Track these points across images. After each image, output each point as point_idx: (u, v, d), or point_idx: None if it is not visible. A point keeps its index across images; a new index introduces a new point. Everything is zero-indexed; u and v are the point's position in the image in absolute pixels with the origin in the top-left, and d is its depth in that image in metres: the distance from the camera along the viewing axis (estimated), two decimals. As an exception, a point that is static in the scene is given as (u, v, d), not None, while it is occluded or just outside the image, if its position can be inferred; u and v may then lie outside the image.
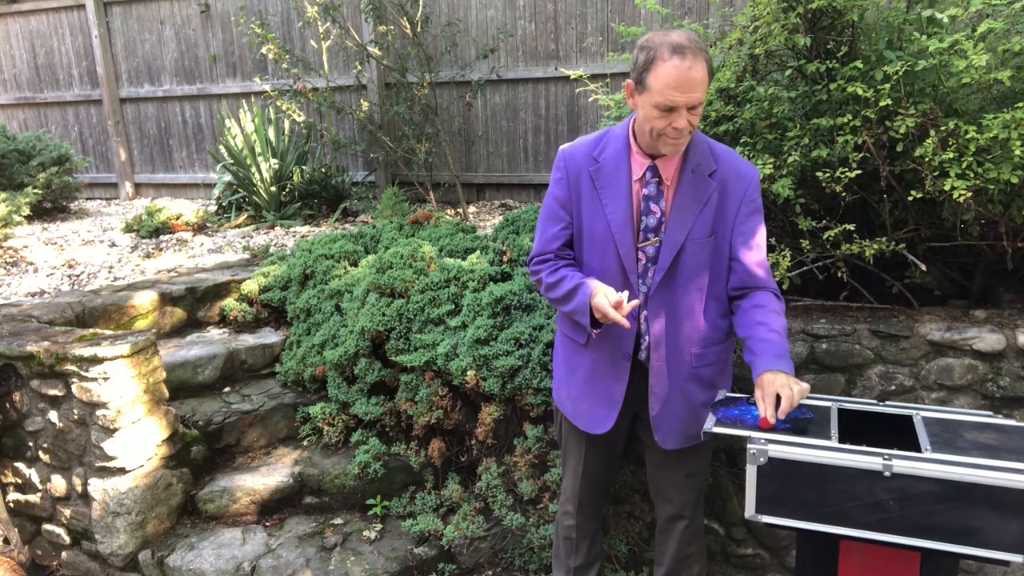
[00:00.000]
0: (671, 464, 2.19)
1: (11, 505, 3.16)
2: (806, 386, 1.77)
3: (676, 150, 1.89)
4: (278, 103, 5.85)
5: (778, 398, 1.75)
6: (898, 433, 1.87)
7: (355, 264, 3.78)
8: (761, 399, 1.79)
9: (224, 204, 6.26)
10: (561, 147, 2.08)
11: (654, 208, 1.96)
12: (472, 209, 5.80)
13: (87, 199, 7.56)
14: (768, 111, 2.69)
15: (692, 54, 1.75)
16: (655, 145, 1.90)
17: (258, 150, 5.81)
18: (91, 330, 3.11)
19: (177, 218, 5.69)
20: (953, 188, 2.24)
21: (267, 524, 3.03)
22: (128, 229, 5.71)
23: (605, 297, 1.86)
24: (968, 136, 2.22)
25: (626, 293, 1.86)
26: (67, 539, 3.09)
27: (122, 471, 2.88)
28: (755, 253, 1.99)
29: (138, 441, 2.90)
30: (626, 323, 1.84)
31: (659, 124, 1.83)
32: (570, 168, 2.03)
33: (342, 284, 3.53)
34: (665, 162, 1.95)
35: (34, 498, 3.11)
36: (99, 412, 2.82)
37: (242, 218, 5.98)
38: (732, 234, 1.99)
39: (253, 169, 5.81)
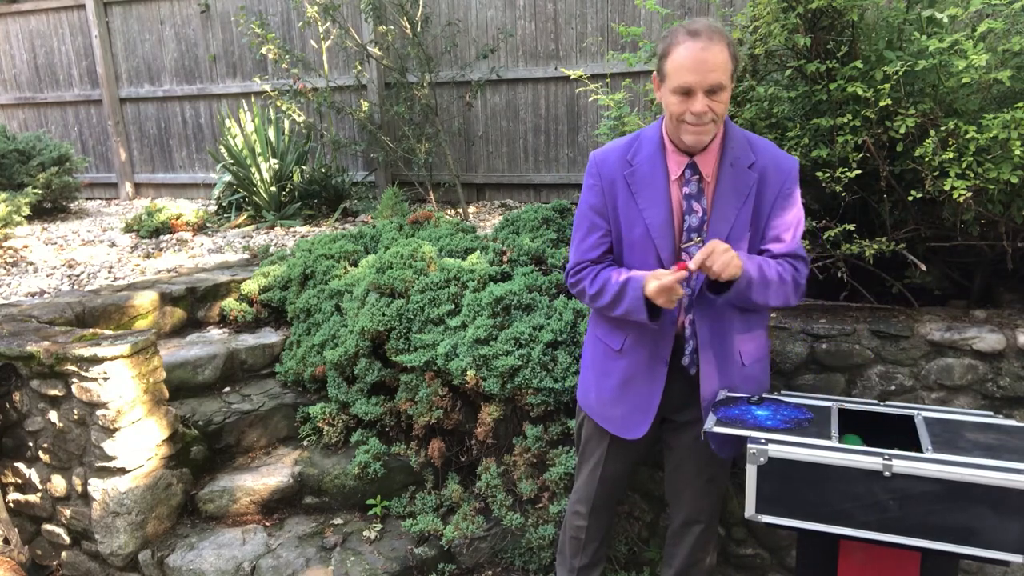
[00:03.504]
0: (694, 469, 2.17)
1: (11, 505, 3.16)
2: (738, 262, 1.76)
3: (697, 139, 1.83)
4: (278, 103, 5.85)
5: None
6: (899, 433, 1.87)
7: (355, 264, 3.78)
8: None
9: (224, 204, 6.26)
10: (592, 152, 2.04)
11: (696, 207, 1.92)
12: (472, 209, 5.80)
13: (87, 199, 7.56)
14: (768, 111, 2.69)
15: (707, 36, 1.73)
16: (677, 134, 1.86)
17: (258, 150, 5.81)
18: (91, 330, 3.11)
19: (177, 218, 5.69)
20: (953, 188, 2.24)
21: (267, 524, 3.03)
22: (128, 229, 5.71)
23: (657, 279, 1.81)
24: (968, 136, 2.22)
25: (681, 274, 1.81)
26: (67, 539, 3.09)
27: (122, 471, 2.88)
28: (788, 245, 1.96)
29: (138, 441, 2.90)
30: (680, 287, 1.80)
31: (677, 110, 1.79)
32: (603, 174, 1.99)
33: (342, 284, 3.53)
34: (703, 158, 1.90)
35: (34, 498, 3.11)
36: (99, 412, 2.82)
37: (242, 218, 5.98)
38: (766, 227, 1.96)
39: (253, 169, 5.81)
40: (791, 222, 1.96)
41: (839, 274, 2.65)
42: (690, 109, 1.77)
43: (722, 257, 1.75)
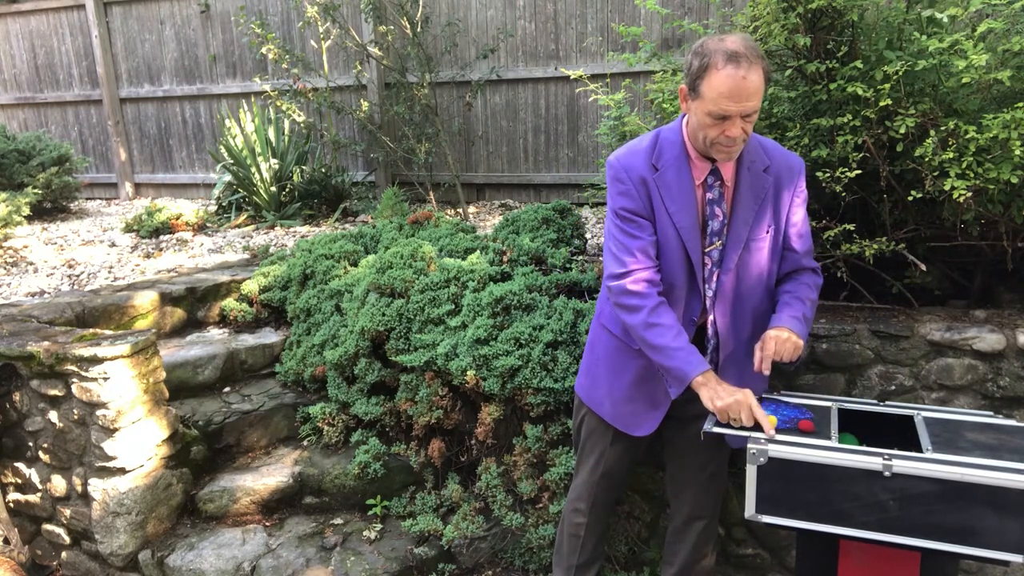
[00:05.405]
0: (696, 466, 2.19)
1: (11, 505, 3.16)
2: (799, 342, 1.87)
3: (729, 157, 1.88)
4: (278, 103, 5.85)
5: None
6: (898, 433, 1.87)
7: (355, 264, 3.78)
8: (758, 349, 1.90)
9: (224, 204, 6.26)
10: (612, 159, 2.00)
11: (717, 211, 1.96)
12: (472, 209, 5.80)
13: (87, 199, 7.56)
14: (768, 111, 2.69)
15: (747, 62, 1.72)
16: (706, 149, 1.89)
17: (258, 150, 5.81)
18: (91, 330, 3.11)
19: (177, 218, 5.69)
20: (953, 188, 2.24)
21: (267, 524, 3.03)
22: (128, 229, 5.71)
23: (748, 400, 1.82)
24: (968, 136, 2.22)
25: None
26: (67, 539, 3.09)
27: (122, 471, 2.88)
28: (805, 241, 2.06)
29: (138, 441, 2.90)
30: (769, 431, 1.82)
31: (712, 132, 1.81)
32: (632, 178, 1.97)
33: (342, 284, 3.53)
34: (725, 164, 1.94)
35: (34, 498, 3.11)
36: (99, 412, 2.82)
37: (242, 218, 5.98)
38: (786, 225, 2.02)
39: (253, 169, 5.81)
40: (804, 216, 2.07)
41: (839, 274, 2.65)
42: (726, 133, 1.79)
43: (785, 347, 1.88)
